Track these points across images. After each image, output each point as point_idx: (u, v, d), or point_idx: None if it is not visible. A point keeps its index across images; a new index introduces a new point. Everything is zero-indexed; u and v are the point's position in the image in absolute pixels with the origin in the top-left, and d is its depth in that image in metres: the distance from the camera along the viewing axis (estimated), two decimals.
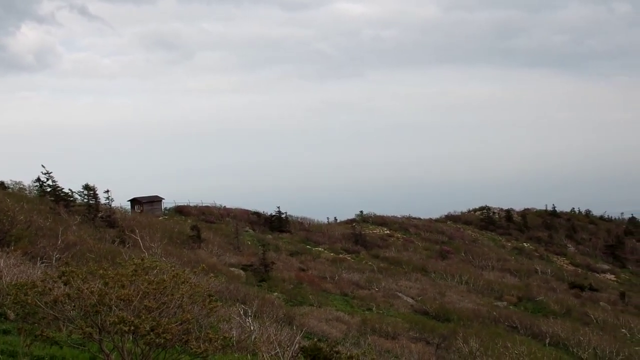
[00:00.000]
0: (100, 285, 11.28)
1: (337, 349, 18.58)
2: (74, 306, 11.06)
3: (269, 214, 73.37)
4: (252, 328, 21.51)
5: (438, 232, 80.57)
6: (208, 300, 12.20)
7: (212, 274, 21.41)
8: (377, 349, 28.11)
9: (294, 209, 79.82)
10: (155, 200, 69.77)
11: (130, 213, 63.35)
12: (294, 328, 26.46)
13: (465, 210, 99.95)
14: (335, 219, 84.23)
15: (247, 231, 65.89)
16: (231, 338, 17.56)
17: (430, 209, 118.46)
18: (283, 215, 71.83)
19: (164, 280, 11.70)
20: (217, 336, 11.29)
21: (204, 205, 75.65)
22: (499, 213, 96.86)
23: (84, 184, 52.23)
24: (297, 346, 19.11)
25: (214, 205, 76.64)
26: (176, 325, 10.73)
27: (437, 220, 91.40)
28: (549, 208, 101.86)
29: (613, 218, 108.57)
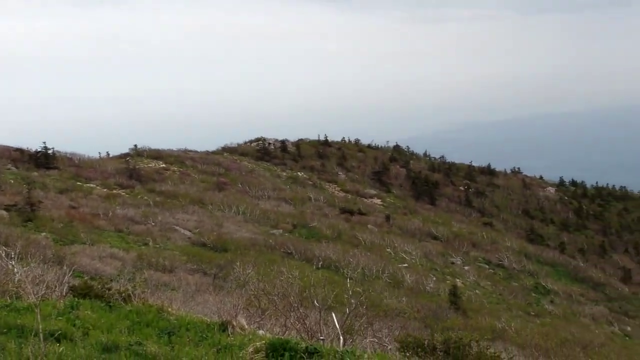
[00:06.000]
0: None
1: (109, 286, 17.96)
2: None
3: (34, 150, 68.69)
4: (15, 270, 20.10)
5: (215, 164, 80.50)
6: None
7: None
8: (154, 282, 27.71)
9: (64, 145, 75.62)
10: None
11: None
12: (65, 268, 25.23)
13: (241, 142, 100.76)
14: (108, 154, 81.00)
15: (9, 169, 61.31)
16: None
17: (206, 141, 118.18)
18: (50, 151, 67.61)
19: None
20: None
21: None
22: (274, 144, 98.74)
23: None
24: (66, 286, 18.20)
25: None
26: None
27: (213, 153, 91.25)
28: (322, 138, 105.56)
29: (380, 146, 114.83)
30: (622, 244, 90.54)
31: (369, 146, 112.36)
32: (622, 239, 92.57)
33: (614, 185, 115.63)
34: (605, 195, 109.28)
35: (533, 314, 48.09)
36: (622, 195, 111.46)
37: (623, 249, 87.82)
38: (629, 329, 51.75)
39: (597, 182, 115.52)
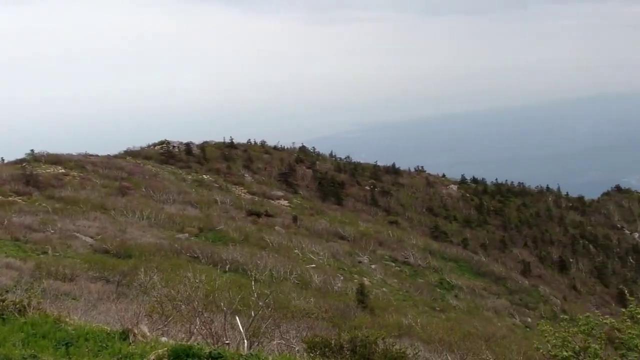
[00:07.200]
0: None
1: (3, 297, 17.12)
2: None
3: None
4: None
5: (117, 169, 78.46)
6: None
7: None
8: (53, 292, 26.65)
9: None
10: None
11: None
12: None
13: (144, 145, 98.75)
14: (2, 160, 77.77)
15: None
16: None
17: (108, 145, 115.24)
18: None
19: None
20: None
21: None
22: (178, 147, 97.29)
23: None
24: None
25: None
26: None
27: (115, 157, 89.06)
28: (227, 140, 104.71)
29: (286, 148, 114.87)
30: (521, 238, 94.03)
31: (275, 148, 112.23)
32: (521, 234, 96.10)
33: (512, 182, 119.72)
34: (504, 192, 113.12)
35: (438, 309, 49.13)
36: (520, 191, 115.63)
37: (522, 243, 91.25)
38: (529, 320, 53.61)
39: (496, 179, 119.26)
